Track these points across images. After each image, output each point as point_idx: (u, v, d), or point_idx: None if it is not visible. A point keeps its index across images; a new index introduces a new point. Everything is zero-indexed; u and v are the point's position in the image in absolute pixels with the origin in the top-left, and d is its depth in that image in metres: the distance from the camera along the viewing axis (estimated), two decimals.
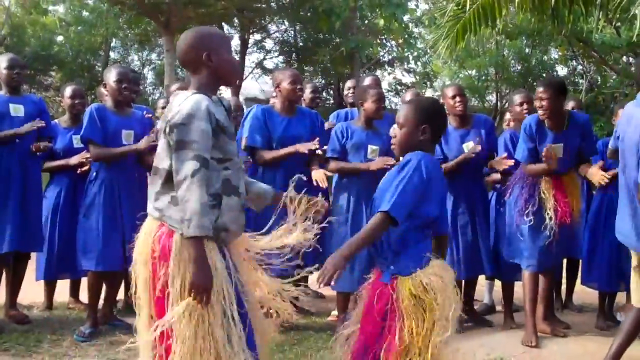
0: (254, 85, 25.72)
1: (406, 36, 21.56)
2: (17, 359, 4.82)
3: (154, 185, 3.02)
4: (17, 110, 5.66)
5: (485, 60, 19.90)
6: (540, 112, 5.30)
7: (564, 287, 6.87)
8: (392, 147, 3.32)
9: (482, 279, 6.44)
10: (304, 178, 3.76)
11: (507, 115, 6.58)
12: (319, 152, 5.67)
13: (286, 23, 23.49)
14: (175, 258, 2.87)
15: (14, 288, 5.93)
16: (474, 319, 5.99)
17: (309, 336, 5.47)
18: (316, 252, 3.33)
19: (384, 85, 23.95)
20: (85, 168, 5.80)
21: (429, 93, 25.09)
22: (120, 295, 6.12)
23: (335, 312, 5.93)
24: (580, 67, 21.23)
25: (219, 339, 2.85)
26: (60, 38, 24.20)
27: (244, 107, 7.24)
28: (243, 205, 3.12)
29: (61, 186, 6.09)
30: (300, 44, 23.78)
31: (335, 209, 5.73)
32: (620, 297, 6.20)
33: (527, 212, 5.33)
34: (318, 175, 5.63)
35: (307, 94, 6.73)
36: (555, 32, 14.55)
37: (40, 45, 22.12)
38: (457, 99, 5.85)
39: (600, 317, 6.03)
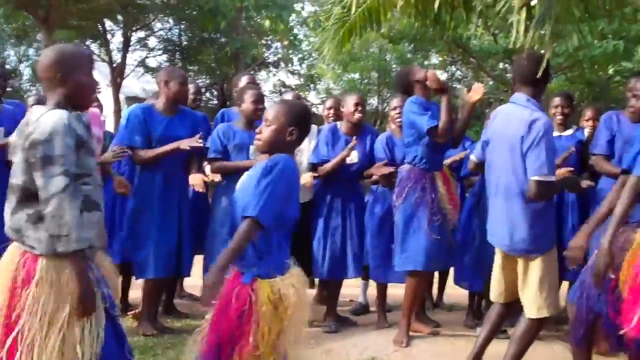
0: (135, 83, 25.14)
1: (291, 38, 21.64)
2: None
3: (9, 202, 2.94)
4: None
5: (368, 64, 20.23)
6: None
7: (435, 286, 7.04)
8: (256, 142, 3.28)
9: (358, 280, 6.52)
10: None
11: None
12: (198, 144, 5.52)
13: (171, 21, 23.09)
14: (40, 281, 2.82)
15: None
16: (338, 319, 6.02)
17: (183, 339, 5.36)
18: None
19: (268, 87, 23.97)
20: None
21: (312, 96, 25.27)
22: None
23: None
24: (458, 72, 21.94)
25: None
26: None
27: (125, 105, 7.06)
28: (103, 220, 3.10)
29: None
30: (185, 42, 23.43)
31: (215, 212, 5.69)
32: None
33: (434, 212, 5.38)
34: (195, 179, 5.54)
35: (189, 94, 6.60)
36: (437, 38, 14.94)
37: None
38: (359, 108, 5.96)
39: (469, 315, 6.19)
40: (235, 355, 3.00)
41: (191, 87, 6.55)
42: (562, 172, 5.18)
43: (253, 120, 5.69)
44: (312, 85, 26.04)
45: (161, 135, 5.60)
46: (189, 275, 5.92)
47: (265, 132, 3.23)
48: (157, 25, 23.61)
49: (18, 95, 19.78)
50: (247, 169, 5.45)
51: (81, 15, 16.24)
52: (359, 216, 6.07)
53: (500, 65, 19.08)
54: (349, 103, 5.99)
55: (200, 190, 5.54)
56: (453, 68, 21.86)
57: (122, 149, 5.56)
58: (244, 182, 3.25)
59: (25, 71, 26.61)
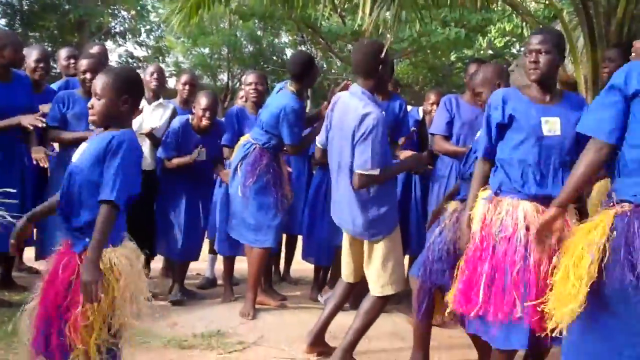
0: None
1: (139, 8, 21.04)
2: None
3: None
4: None
5: (218, 40, 20.03)
6: None
7: (282, 260, 7.17)
8: (91, 117, 3.18)
9: (205, 254, 6.54)
10: None
11: (241, 94, 6.68)
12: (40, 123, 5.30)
13: None
14: None
15: None
16: (184, 293, 6.03)
17: (21, 313, 5.16)
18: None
19: (114, 58, 23.21)
20: None
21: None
22: None
23: None
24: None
25: None
26: None
27: None
28: None
29: None
30: (26, 7, 22.23)
31: (53, 183, 5.51)
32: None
33: (281, 191, 5.49)
34: (38, 154, 5.30)
35: (31, 62, 6.23)
36: (286, 17, 15.02)
37: None
38: (207, 114, 5.82)
39: (314, 289, 6.34)
40: (66, 326, 2.95)
41: (35, 54, 6.17)
42: (407, 153, 5.35)
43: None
44: (160, 58, 25.47)
45: None
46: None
47: (97, 106, 3.13)
48: None
49: None
50: (84, 139, 5.32)
51: None
52: (205, 190, 6.07)
53: (349, 46, 19.46)
54: (198, 107, 5.87)
55: (45, 165, 5.30)
56: (303, 48, 22.06)
57: None
58: (83, 155, 3.13)
59: None
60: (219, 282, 6.56)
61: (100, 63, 5.56)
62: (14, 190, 4.15)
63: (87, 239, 2.98)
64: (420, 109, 6.33)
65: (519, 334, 3.38)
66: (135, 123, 6.01)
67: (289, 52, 22.05)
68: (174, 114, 6.21)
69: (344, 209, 4.39)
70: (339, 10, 13.95)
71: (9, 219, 3.34)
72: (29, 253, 6.31)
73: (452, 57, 18.46)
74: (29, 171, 5.55)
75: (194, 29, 16.97)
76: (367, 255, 4.38)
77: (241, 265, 6.26)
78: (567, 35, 5.83)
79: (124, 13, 23.77)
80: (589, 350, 2.86)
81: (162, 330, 5.08)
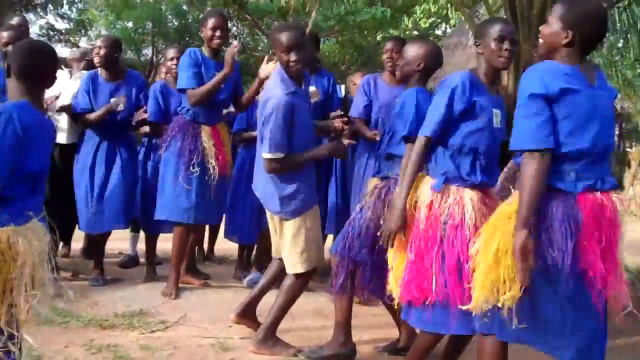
0: None
1: None
2: None
3: None
4: None
5: (142, 13, 19.60)
6: None
7: (206, 239, 7.11)
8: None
9: (127, 231, 6.44)
10: None
11: (164, 69, 6.55)
12: None
13: None
14: None
15: None
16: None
17: None
18: None
19: (35, 30, 22.50)
20: None
21: (83, 42, 24.09)
22: None
23: None
24: (235, 28, 21.92)
25: None
26: None
27: None
28: None
29: None
30: None
31: None
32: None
33: (192, 163, 5.33)
34: None
35: None
36: None
37: None
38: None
39: (238, 268, 6.32)
40: None
41: None
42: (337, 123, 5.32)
43: None
44: (83, 31, 24.78)
45: None
46: None
47: (9, 82, 3.03)
48: None
49: None
50: None
51: None
52: (128, 166, 5.92)
53: (276, 23, 19.33)
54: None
55: None
56: (229, 24, 21.80)
57: None
58: None
59: None
60: (142, 260, 6.45)
61: (20, 35, 5.37)
62: None
63: None
64: (343, 87, 6.33)
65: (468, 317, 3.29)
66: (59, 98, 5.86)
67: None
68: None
69: (261, 183, 4.39)
70: None
71: None
72: None
73: (378, 37, 18.56)
74: None
75: (118, 2, 16.57)
76: (278, 232, 4.37)
77: (165, 244, 6.17)
78: (490, 16, 5.91)
79: None
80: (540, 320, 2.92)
81: (82, 310, 4.99)
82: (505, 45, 3.48)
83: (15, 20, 6.22)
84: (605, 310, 2.96)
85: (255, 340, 4.40)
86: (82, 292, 5.36)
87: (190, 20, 20.26)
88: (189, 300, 5.40)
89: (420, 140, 3.53)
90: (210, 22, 5.37)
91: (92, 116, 5.71)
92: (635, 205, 13.97)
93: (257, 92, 5.40)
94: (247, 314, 4.63)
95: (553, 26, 2.96)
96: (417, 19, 20.35)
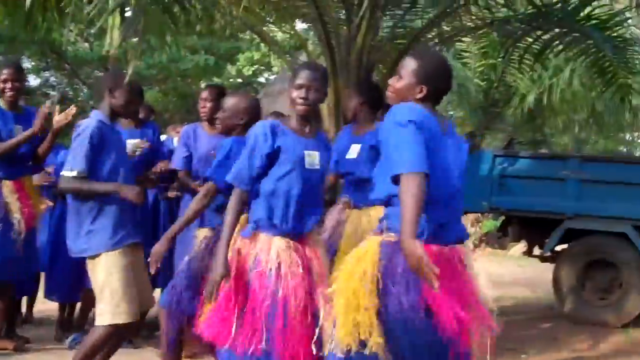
0: None
1: None
2: None
3: None
4: None
5: None
6: None
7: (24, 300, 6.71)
8: None
9: None
10: None
11: None
12: None
13: None
14: None
15: None
16: None
17: None
18: None
19: None
20: None
21: None
22: None
23: None
24: (53, 78, 21.21)
25: None
26: None
27: None
28: None
29: None
30: None
31: None
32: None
33: None
34: None
35: None
36: (29, 40, 14.29)
37: None
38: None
39: (59, 328, 5.97)
40: None
41: None
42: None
43: None
44: None
45: None
46: None
47: None
48: None
49: None
50: None
51: None
52: None
53: (96, 72, 18.91)
54: None
55: None
56: (47, 74, 21.07)
57: None
58: None
59: None
60: None
61: None
62: None
63: None
64: (175, 138, 6.25)
65: None
66: None
67: (31, 79, 20.91)
68: None
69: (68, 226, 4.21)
70: (85, 34, 13.52)
71: None
72: None
73: (202, 85, 18.61)
74: None
75: None
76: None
77: None
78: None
79: None
80: None
81: None
82: (301, 92, 3.51)
83: None
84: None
85: None
86: None
87: None
88: None
89: (236, 193, 3.55)
90: (1, 74, 5.21)
91: None
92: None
93: (52, 144, 5.29)
94: None
95: (405, 80, 3.09)
96: (241, 67, 20.63)
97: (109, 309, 4.01)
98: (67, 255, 5.49)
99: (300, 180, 3.52)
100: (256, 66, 20.60)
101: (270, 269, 3.42)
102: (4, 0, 6.05)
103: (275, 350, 3.33)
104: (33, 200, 5.33)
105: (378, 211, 3.48)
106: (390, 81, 3.17)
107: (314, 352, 3.28)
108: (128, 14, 5.04)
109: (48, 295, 6.07)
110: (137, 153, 5.35)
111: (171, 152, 5.99)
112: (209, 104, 5.26)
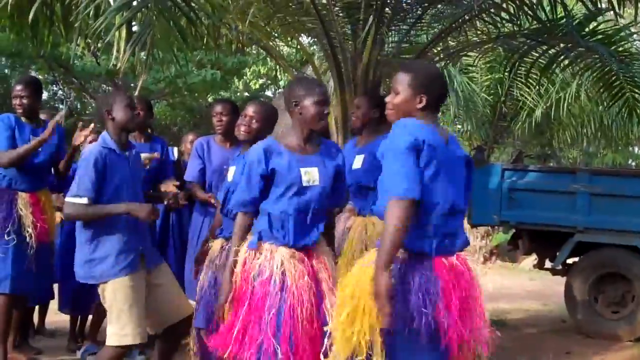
0: None
1: None
2: None
3: None
4: None
5: None
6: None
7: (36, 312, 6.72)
8: None
9: None
10: None
11: None
12: None
13: None
14: None
15: None
16: None
17: None
18: None
19: None
20: None
21: None
22: None
23: None
24: (60, 92, 21.30)
25: None
26: None
27: None
28: None
29: None
30: None
31: None
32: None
33: (7, 231, 5.06)
34: None
35: None
36: (36, 54, 14.36)
37: None
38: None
39: (71, 340, 6.03)
40: None
41: None
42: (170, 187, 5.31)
43: None
44: None
45: None
46: None
47: None
48: None
49: None
50: None
51: None
52: None
53: (104, 86, 18.96)
54: None
55: None
56: (55, 87, 21.16)
57: None
58: None
59: None
60: None
61: None
62: None
63: None
64: (175, 149, 6.27)
65: None
66: None
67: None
68: None
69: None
70: (92, 48, 13.56)
71: None
72: None
73: (209, 99, 18.65)
74: None
75: None
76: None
77: None
78: (317, 78, 6.10)
79: None
80: None
81: None
82: (324, 109, 3.60)
83: None
84: None
85: None
86: None
87: (13, 84, 19.41)
88: None
89: (239, 218, 3.67)
90: (14, 90, 5.32)
91: None
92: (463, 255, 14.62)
93: (72, 159, 5.32)
94: None
95: (403, 94, 3.11)
96: (248, 81, 20.66)
97: (115, 330, 4.06)
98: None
99: (297, 199, 3.56)
100: (263, 80, 20.63)
101: (275, 279, 3.45)
102: (10, 15, 6.08)
103: (282, 358, 3.34)
104: (48, 214, 5.35)
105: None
106: (388, 99, 3.20)
107: None
108: (135, 28, 5.07)
109: (61, 308, 6.11)
110: (147, 167, 5.36)
111: (173, 162, 6.03)
112: (225, 118, 5.31)
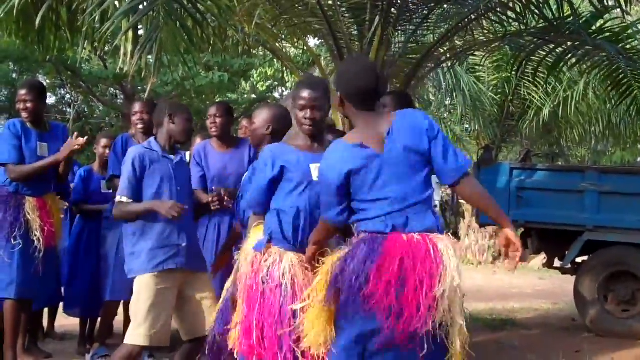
0: None
1: None
2: None
3: None
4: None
5: None
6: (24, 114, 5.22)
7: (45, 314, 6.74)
8: None
9: None
10: None
11: None
12: None
13: None
14: None
15: None
16: None
17: None
18: None
19: None
20: None
21: None
22: None
23: None
24: (68, 96, 21.37)
25: None
26: None
27: None
28: None
29: None
30: None
31: None
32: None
33: (14, 235, 5.04)
34: None
35: None
36: (42, 59, 14.41)
37: None
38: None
39: (81, 343, 6.04)
40: None
41: None
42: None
43: None
44: None
45: None
46: None
47: None
48: None
49: None
50: None
51: None
52: None
53: (111, 90, 19.01)
54: None
55: None
56: (63, 91, 21.23)
57: None
58: None
59: None
60: None
61: None
62: None
63: None
64: (188, 153, 6.26)
65: None
66: None
67: (48, 96, 21.08)
68: None
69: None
70: (99, 52, 13.60)
71: None
72: None
73: (217, 101, 18.67)
74: None
75: None
76: None
77: None
78: (324, 79, 6.09)
79: None
80: None
81: None
82: (305, 113, 3.56)
83: None
84: None
85: None
86: None
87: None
88: None
89: (252, 218, 3.71)
90: (18, 94, 5.32)
91: None
92: (471, 254, 14.64)
93: (70, 164, 5.43)
94: None
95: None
96: (255, 83, 20.69)
97: (132, 328, 4.13)
98: (85, 270, 5.61)
99: (308, 195, 3.55)
100: (270, 81, 20.65)
101: (286, 285, 3.44)
102: (16, 20, 6.10)
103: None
104: (55, 219, 5.36)
105: None
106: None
107: None
108: (141, 32, 5.07)
109: (67, 309, 6.13)
110: None
111: None
112: (218, 120, 5.33)
